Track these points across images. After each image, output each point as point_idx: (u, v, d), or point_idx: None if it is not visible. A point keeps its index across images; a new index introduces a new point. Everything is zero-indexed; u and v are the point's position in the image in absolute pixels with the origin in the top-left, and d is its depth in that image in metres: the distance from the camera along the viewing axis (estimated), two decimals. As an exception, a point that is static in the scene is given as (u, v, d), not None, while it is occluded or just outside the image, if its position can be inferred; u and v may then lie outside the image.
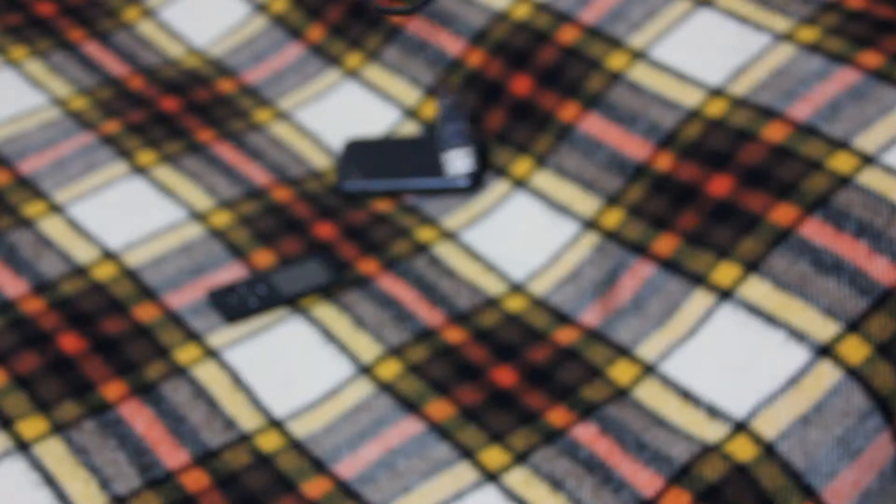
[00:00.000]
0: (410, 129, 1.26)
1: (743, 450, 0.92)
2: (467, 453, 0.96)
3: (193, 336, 1.06)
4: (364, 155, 1.22)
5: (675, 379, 0.99)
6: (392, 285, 1.10)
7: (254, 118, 1.30)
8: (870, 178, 1.02)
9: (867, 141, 1.05)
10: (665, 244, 1.07)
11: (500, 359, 1.03)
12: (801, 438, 0.92)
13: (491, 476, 0.94)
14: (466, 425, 0.97)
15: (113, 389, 1.01)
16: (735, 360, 0.98)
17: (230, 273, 1.12)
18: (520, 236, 1.13)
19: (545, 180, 1.16)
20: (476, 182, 1.18)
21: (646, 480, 0.91)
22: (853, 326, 0.97)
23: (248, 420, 0.99)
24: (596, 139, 1.16)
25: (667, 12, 1.21)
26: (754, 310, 1.00)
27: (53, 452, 0.96)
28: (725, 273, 1.03)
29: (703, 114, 1.13)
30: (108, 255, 1.14)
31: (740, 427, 0.94)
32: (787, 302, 0.99)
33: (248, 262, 1.12)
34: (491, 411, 0.98)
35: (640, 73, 1.18)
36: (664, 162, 1.12)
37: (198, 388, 1.01)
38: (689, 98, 1.15)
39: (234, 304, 1.07)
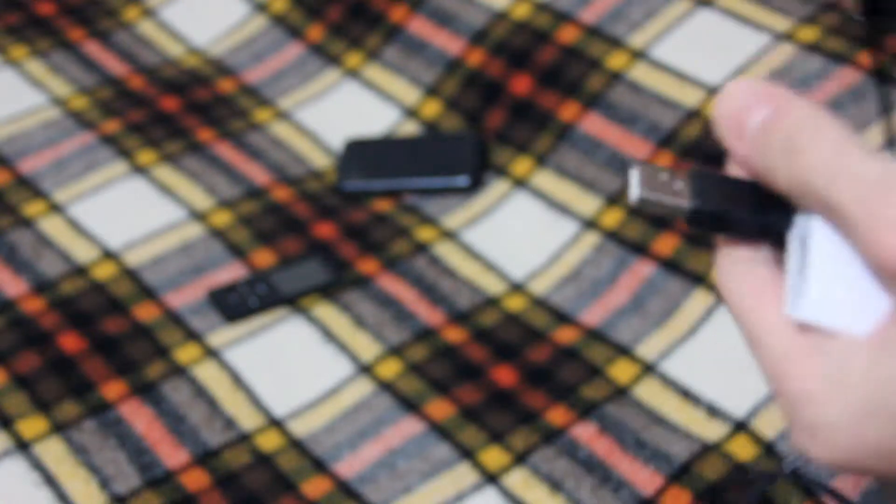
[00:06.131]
0: (410, 129, 1.26)
1: (743, 449, 0.92)
2: (467, 454, 0.96)
3: (193, 336, 1.06)
4: (364, 155, 1.22)
5: (675, 378, 0.99)
6: (392, 285, 1.10)
7: (254, 118, 1.30)
8: (870, 178, 1.02)
9: (868, 141, 1.05)
10: (665, 244, 1.07)
11: (500, 358, 1.03)
12: (801, 438, 0.92)
13: (491, 477, 0.94)
14: (466, 425, 0.97)
15: (113, 389, 1.01)
16: (735, 359, 0.98)
17: (230, 273, 1.12)
18: (520, 236, 1.13)
19: (545, 180, 1.16)
20: (476, 182, 1.18)
21: (645, 479, 0.91)
22: (853, 326, 0.96)
23: (248, 419, 0.99)
24: (596, 139, 1.16)
25: (667, 12, 1.21)
26: (754, 309, 1.00)
27: (53, 452, 0.96)
28: (725, 273, 1.03)
29: (703, 113, 1.13)
30: (108, 255, 1.14)
31: (740, 426, 0.94)
32: (787, 301, 0.99)
33: (248, 262, 1.12)
34: (491, 411, 0.98)
35: (640, 73, 1.18)
36: (664, 162, 1.12)
37: (198, 388, 1.01)
38: (689, 98, 1.15)
39: (234, 304, 1.07)
